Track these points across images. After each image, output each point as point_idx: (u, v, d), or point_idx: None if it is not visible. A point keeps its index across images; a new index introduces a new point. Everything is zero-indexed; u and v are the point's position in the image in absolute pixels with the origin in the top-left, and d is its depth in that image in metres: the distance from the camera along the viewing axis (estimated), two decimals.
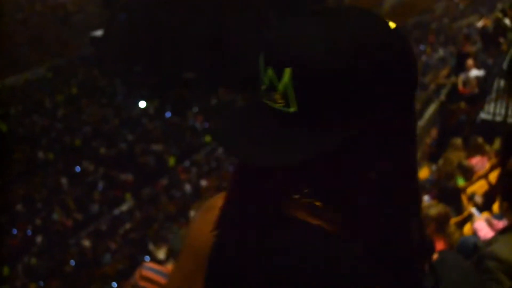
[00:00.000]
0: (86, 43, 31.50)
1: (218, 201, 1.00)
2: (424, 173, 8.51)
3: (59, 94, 27.46)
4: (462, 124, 9.12)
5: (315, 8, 0.87)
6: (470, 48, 11.43)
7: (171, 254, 3.76)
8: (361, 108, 0.82)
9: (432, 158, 9.39)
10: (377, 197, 0.90)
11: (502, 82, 8.57)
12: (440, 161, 7.74)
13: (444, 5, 29.22)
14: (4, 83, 26.71)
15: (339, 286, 0.87)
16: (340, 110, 0.81)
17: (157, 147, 23.16)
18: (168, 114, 25.64)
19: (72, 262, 17.11)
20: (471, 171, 6.53)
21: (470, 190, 5.79)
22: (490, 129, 8.07)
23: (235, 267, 0.95)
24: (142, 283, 3.50)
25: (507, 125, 7.67)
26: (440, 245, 3.87)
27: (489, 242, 2.93)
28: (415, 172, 0.94)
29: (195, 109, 25.76)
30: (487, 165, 6.52)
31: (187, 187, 20.41)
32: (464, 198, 5.66)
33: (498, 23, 11.90)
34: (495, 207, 4.70)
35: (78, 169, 22.13)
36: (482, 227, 3.71)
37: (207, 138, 23.74)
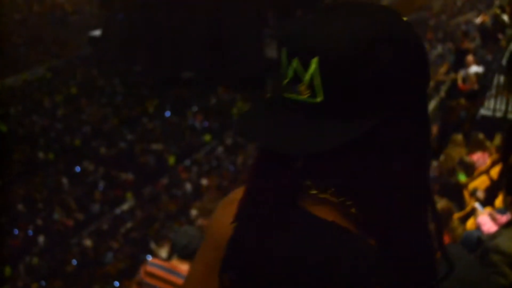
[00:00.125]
0: (84, 43, 31.46)
1: (238, 194, 1.02)
2: None
3: (58, 94, 27.41)
4: (462, 120, 9.12)
5: (328, 4, 0.90)
6: (469, 45, 11.44)
7: (173, 250, 3.77)
8: (385, 95, 0.84)
9: (433, 154, 9.39)
10: (393, 191, 0.90)
11: (502, 78, 8.56)
12: (441, 158, 7.73)
13: (442, 2, 29.21)
14: (3, 84, 26.67)
15: (351, 283, 0.88)
16: (365, 97, 0.84)
17: (157, 146, 23.14)
18: (167, 114, 25.60)
19: (74, 262, 17.10)
20: (472, 167, 6.53)
21: (471, 185, 5.79)
22: (490, 125, 8.07)
23: (250, 259, 0.96)
24: (147, 279, 3.54)
25: (507, 121, 7.68)
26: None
27: (493, 236, 2.95)
28: (428, 166, 0.95)
29: (195, 108, 25.71)
30: (488, 161, 6.52)
31: (188, 186, 20.38)
32: (466, 194, 5.66)
33: (497, 19, 11.91)
34: (497, 202, 4.72)
35: (78, 169, 22.11)
36: (486, 221, 3.73)
37: (207, 137, 23.72)
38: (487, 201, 4.96)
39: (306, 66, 0.84)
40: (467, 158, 6.75)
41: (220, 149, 22.92)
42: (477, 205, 4.34)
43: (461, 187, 5.84)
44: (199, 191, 19.67)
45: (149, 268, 3.57)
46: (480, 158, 6.80)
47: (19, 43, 31.07)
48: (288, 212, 0.95)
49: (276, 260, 0.93)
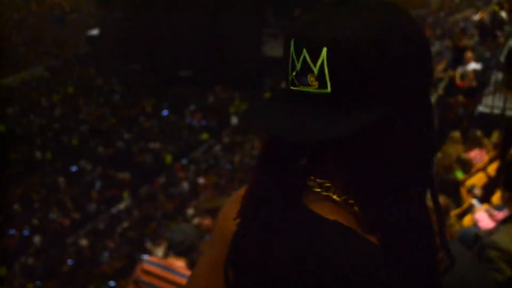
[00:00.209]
0: (82, 42, 31.56)
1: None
2: None
3: (56, 93, 27.50)
4: (460, 117, 9.13)
5: (333, 0, 0.90)
6: (467, 42, 11.43)
7: (169, 246, 3.78)
8: (393, 85, 0.85)
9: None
10: (397, 187, 0.90)
11: (500, 75, 8.57)
12: (439, 154, 7.73)
13: None
14: (1, 83, 26.74)
15: (353, 283, 0.87)
16: (373, 88, 0.84)
17: (154, 145, 23.20)
18: (165, 112, 25.67)
19: (70, 261, 17.17)
20: (469, 164, 6.54)
21: (469, 182, 5.80)
22: (488, 122, 8.08)
23: (252, 257, 0.96)
24: (143, 277, 3.55)
25: (505, 118, 7.69)
26: None
27: (490, 232, 2.97)
28: (433, 161, 0.95)
29: (192, 107, 25.80)
30: (485, 158, 6.53)
31: (185, 185, 20.45)
32: (463, 191, 5.66)
33: (495, 16, 11.92)
34: (494, 199, 4.70)
35: (75, 168, 22.16)
36: (483, 218, 3.73)
37: (204, 136, 23.78)
38: (484, 198, 4.99)
39: (315, 56, 0.84)
40: (465, 155, 6.76)
41: (217, 148, 23.00)
42: (474, 201, 4.33)
43: (458, 184, 5.85)
44: (196, 190, 19.71)
45: (145, 266, 3.60)
46: (477, 155, 6.81)
47: (17, 43, 31.15)
48: (291, 210, 0.95)
49: (277, 259, 0.93)
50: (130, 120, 25.19)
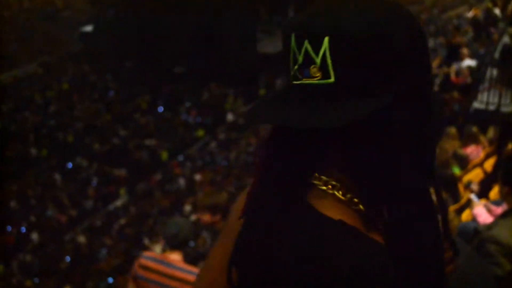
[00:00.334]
0: (76, 38, 31.32)
1: None
2: None
3: (50, 90, 27.31)
4: (456, 113, 9.17)
5: None
6: (460, 39, 11.49)
7: (164, 240, 3.82)
8: (395, 73, 0.85)
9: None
10: (402, 183, 0.88)
11: (494, 72, 8.61)
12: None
13: None
14: None
15: (357, 283, 0.86)
16: (376, 75, 0.84)
17: (150, 142, 23.11)
18: (160, 109, 25.55)
19: (68, 258, 17.07)
20: (466, 160, 6.59)
21: (466, 178, 5.84)
22: (483, 118, 8.12)
23: (255, 255, 0.96)
24: (140, 272, 3.57)
25: (500, 114, 7.75)
26: None
27: (489, 226, 2.97)
28: (434, 154, 0.94)
29: (188, 104, 25.68)
30: (481, 154, 6.58)
31: (181, 182, 20.38)
32: (460, 187, 5.71)
33: (489, 13, 11.96)
34: (492, 194, 4.76)
35: (70, 165, 22.05)
36: (482, 212, 3.76)
37: (200, 133, 23.70)
38: (482, 194, 5.01)
39: (317, 47, 0.84)
40: (461, 151, 6.80)
41: (213, 144, 22.91)
42: (473, 196, 4.37)
43: (455, 179, 5.88)
44: (192, 186, 19.65)
45: (143, 261, 3.61)
46: (473, 151, 6.85)
47: (10, 40, 30.88)
48: (295, 208, 0.94)
49: (280, 259, 0.92)
50: (125, 116, 25.07)
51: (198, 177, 20.14)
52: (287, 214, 0.94)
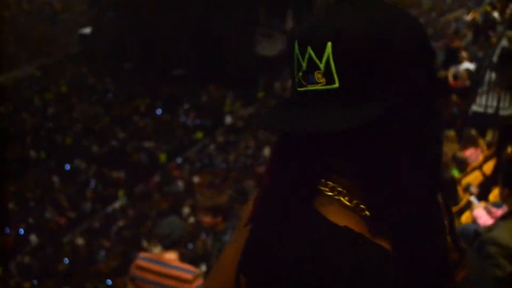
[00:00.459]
0: (74, 41, 31.29)
1: None
2: None
3: (48, 92, 27.27)
4: (454, 116, 9.18)
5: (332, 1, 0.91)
6: (459, 42, 11.51)
7: (157, 240, 3.84)
8: (398, 75, 0.85)
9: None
10: (407, 188, 0.88)
11: (493, 75, 8.63)
12: None
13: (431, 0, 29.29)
14: None
15: (355, 282, 0.87)
16: (379, 78, 0.84)
17: (148, 144, 23.09)
18: (159, 111, 25.53)
19: (66, 260, 17.03)
20: (465, 163, 6.60)
21: (465, 181, 5.86)
22: (482, 121, 8.13)
23: (261, 260, 0.96)
24: (137, 273, 3.61)
25: (498, 117, 7.76)
26: None
27: (490, 228, 2.96)
28: (440, 158, 0.94)
29: (186, 106, 25.66)
30: (480, 157, 6.59)
31: (180, 184, 20.36)
32: (459, 189, 5.72)
33: (487, 16, 11.98)
34: (491, 197, 4.77)
35: (69, 167, 22.02)
36: (482, 214, 3.76)
37: (198, 135, 23.69)
38: (481, 196, 5.01)
39: (320, 52, 0.85)
40: (460, 154, 6.81)
41: (211, 147, 22.90)
42: (472, 198, 4.38)
43: (455, 181, 5.89)
44: (191, 188, 19.63)
45: (139, 262, 3.65)
46: (472, 154, 6.86)
47: (9, 42, 30.84)
48: (301, 214, 0.95)
49: (286, 264, 0.93)
50: (124, 119, 25.05)
51: (196, 179, 20.12)
52: (294, 220, 0.95)
